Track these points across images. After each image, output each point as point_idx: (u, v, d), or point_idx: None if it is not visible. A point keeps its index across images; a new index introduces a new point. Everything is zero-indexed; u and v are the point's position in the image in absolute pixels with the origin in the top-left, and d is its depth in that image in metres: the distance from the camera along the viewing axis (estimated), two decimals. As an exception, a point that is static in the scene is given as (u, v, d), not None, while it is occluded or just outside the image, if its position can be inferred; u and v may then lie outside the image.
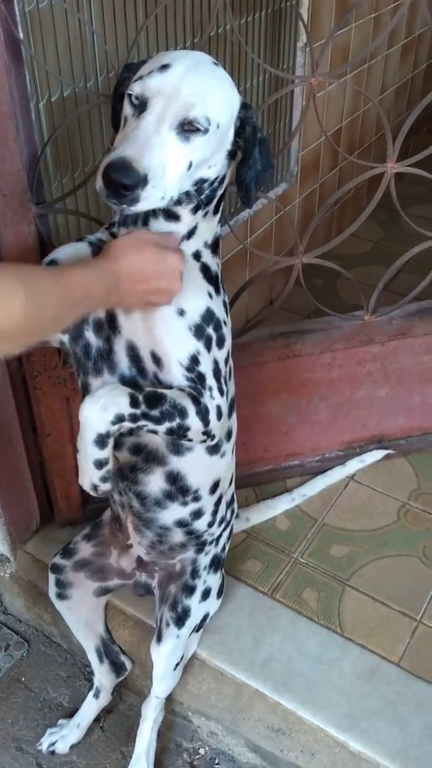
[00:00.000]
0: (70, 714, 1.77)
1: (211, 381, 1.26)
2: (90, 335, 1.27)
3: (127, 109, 1.15)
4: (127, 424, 1.19)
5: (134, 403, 1.18)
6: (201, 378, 1.25)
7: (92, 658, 1.71)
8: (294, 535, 1.93)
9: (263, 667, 1.64)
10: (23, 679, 1.88)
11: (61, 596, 1.63)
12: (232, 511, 1.63)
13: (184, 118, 1.10)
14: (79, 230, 1.63)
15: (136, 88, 1.12)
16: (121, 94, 1.18)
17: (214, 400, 1.26)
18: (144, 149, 1.08)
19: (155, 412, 1.19)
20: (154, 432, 1.23)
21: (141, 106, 1.12)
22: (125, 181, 1.06)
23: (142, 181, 1.07)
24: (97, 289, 1.12)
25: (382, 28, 2.79)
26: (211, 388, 1.26)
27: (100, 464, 1.22)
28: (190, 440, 1.28)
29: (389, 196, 1.65)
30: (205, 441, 1.30)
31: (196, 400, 1.23)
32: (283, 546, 1.90)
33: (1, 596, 2.02)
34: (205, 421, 1.25)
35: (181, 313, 1.24)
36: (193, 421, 1.23)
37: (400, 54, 3.15)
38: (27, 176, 1.41)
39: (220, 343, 1.28)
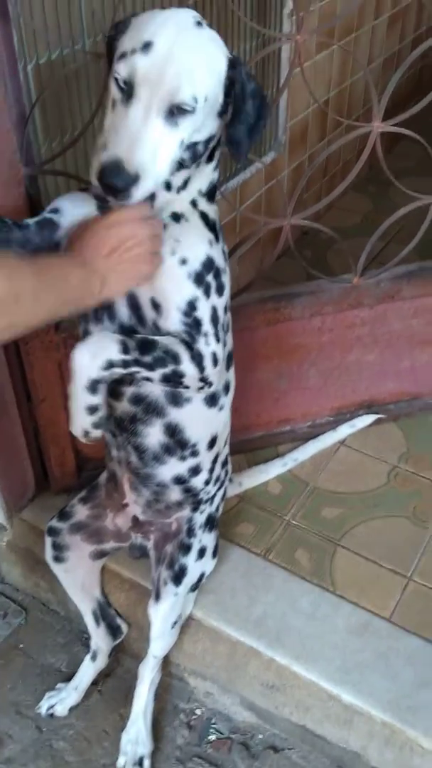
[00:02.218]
0: (68, 678, 1.79)
1: (207, 327, 1.27)
2: None
3: (115, 92, 1.15)
4: (119, 370, 1.20)
5: (125, 349, 1.19)
6: (197, 323, 1.26)
7: (89, 621, 1.73)
8: (286, 498, 1.95)
9: (257, 624, 1.66)
10: (21, 645, 1.90)
11: (57, 559, 1.65)
12: (227, 472, 1.65)
13: (171, 104, 1.11)
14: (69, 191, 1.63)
15: (121, 71, 1.12)
16: (113, 54, 1.16)
17: (209, 346, 1.27)
18: (134, 146, 1.10)
19: (147, 359, 1.20)
20: (150, 379, 1.24)
21: (128, 91, 1.12)
22: (118, 184, 1.10)
23: (134, 180, 1.10)
24: (74, 275, 1.13)
25: (368, -3, 2.79)
26: (206, 334, 1.27)
27: (92, 410, 1.23)
28: (187, 387, 1.29)
29: (379, 169, 1.65)
30: (203, 388, 1.30)
31: (189, 346, 1.25)
32: (275, 509, 1.92)
33: (-3, 565, 2.04)
34: (200, 367, 1.26)
35: (183, 262, 1.25)
36: (188, 367, 1.24)
37: (387, 25, 3.15)
38: (15, 137, 1.42)
39: (220, 290, 1.29)
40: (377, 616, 1.67)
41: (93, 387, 1.21)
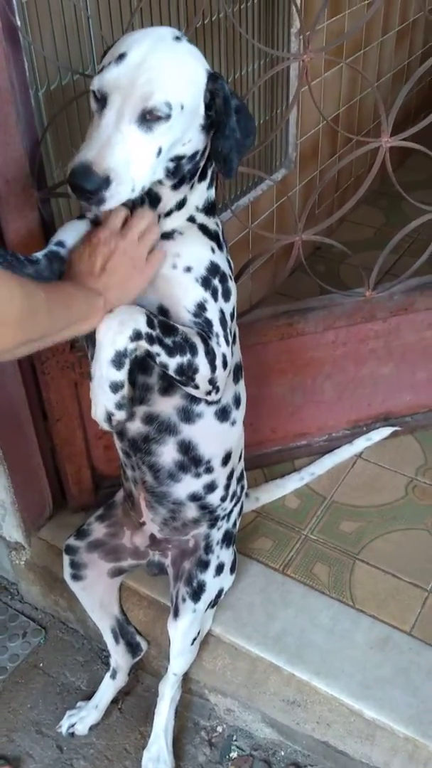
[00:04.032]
0: (89, 697, 1.79)
1: (218, 328, 1.27)
2: None
3: (92, 104, 1.16)
4: (144, 344, 1.17)
5: (150, 323, 1.18)
6: (208, 323, 1.27)
7: (108, 639, 1.73)
8: (303, 512, 1.95)
9: (277, 640, 1.66)
10: (41, 665, 1.90)
11: (75, 577, 1.65)
12: (242, 488, 1.65)
13: (143, 109, 1.11)
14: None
15: (95, 83, 1.14)
16: None
17: (220, 347, 1.27)
18: (104, 149, 1.10)
19: (168, 341, 1.19)
20: (165, 367, 1.22)
21: (102, 101, 1.13)
22: (87, 186, 1.10)
23: (104, 183, 1.10)
24: (78, 295, 1.15)
25: (375, 14, 2.81)
26: (218, 335, 1.27)
27: (116, 387, 1.19)
28: (196, 387, 1.28)
29: (391, 183, 1.66)
30: (210, 393, 1.30)
31: (205, 341, 1.25)
32: (293, 523, 1.92)
33: (17, 585, 2.05)
34: (213, 366, 1.25)
35: (188, 269, 1.26)
36: (202, 362, 1.24)
37: (395, 40, 3.17)
38: (29, 162, 1.44)
39: (226, 295, 1.30)
40: (397, 630, 1.66)
41: (118, 360, 1.17)
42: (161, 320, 1.21)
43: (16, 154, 1.41)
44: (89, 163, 1.09)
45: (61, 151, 1.65)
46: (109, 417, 1.22)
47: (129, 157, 1.11)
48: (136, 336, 1.16)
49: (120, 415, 1.22)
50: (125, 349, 1.16)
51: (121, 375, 1.18)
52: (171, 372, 1.23)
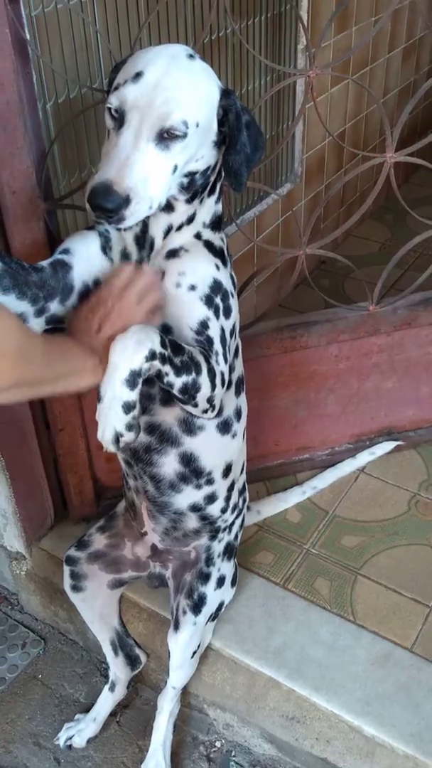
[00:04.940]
0: (87, 709, 1.78)
1: (218, 347, 1.28)
2: None
3: (108, 121, 1.18)
4: (157, 364, 1.16)
5: (163, 343, 1.17)
6: (210, 342, 1.27)
7: (107, 651, 1.72)
8: (305, 526, 1.94)
9: (277, 655, 1.65)
10: (40, 676, 1.90)
11: (75, 588, 1.65)
12: (244, 500, 1.65)
13: (161, 128, 1.13)
14: (86, 226, 1.67)
15: (113, 101, 1.15)
16: None
17: (219, 365, 1.28)
18: (124, 169, 1.11)
19: (177, 360, 1.19)
20: (171, 386, 1.21)
21: (120, 119, 1.15)
22: (108, 206, 1.11)
23: (124, 202, 1.11)
24: (75, 351, 1.16)
25: (381, 31, 2.83)
26: (217, 353, 1.28)
27: (128, 407, 1.16)
28: (195, 405, 1.27)
29: (396, 198, 1.67)
30: (206, 411, 1.30)
31: (207, 360, 1.25)
32: (294, 537, 1.91)
33: (17, 595, 2.04)
34: (213, 384, 1.26)
35: (192, 287, 1.27)
36: (204, 381, 1.24)
37: (401, 58, 3.19)
38: (35, 174, 1.46)
39: (227, 313, 1.31)
40: (399, 646, 1.65)
41: (133, 380, 1.14)
42: (170, 340, 1.21)
43: (23, 165, 1.43)
44: (109, 182, 1.11)
45: (67, 163, 1.66)
46: (117, 438, 1.19)
47: (147, 175, 1.13)
48: (152, 356, 1.15)
49: (129, 437, 1.19)
50: (141, 368, 1.15)
51: (135, 395, 1.16)
52: (175, 391, 1.23)
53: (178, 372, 1.20)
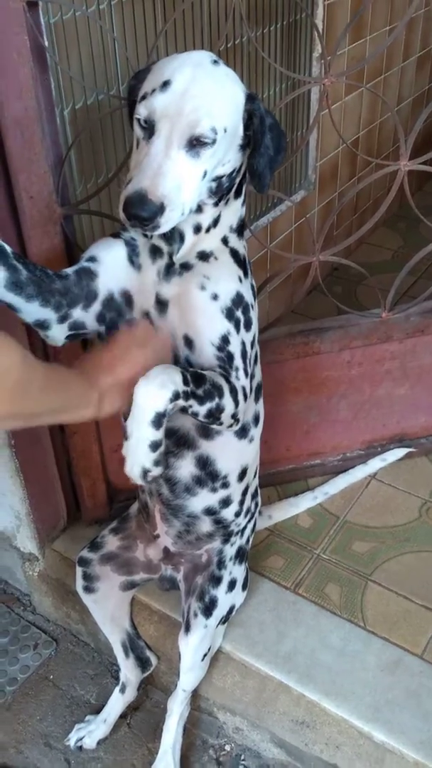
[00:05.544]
0: (98, 711, 1.79)
1: (238, 362, 1.29)
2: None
3: (138, 131, 1.20)
4: (181, 402, 1.17)
5: (185, 380, 1.18)
6: (230, 358, 1.28)
7: (118, 653, 1.73)
8: (316, 532, 1.95)
9: (287, 659, 1.65)
10: (51, 677, 1.91)
11: (87, 589, 1.66)
12: (257, 504, 1.66)
13: (191, 136, 1.15)
14: (102, 231, 1.69)
15: (142, 111, 1.17)
16: (134, 100, 1.23)
17: (239, 380, 1.29)
18: (157, 177, 1.13)
19: (200, 391, 1.20)
20: (195, 415, 1.22)
21: (149, 129, 1.17)
22: (143, 214, 1.13)
23: (159, 210, 1.13)
24: (76, 384, 1.16)
25: (396, 40, 2.84)
26: (237, 369, 1.29)
27: (155, 446, 1.17)
28: (221, 424, 1.28)
29: (409, 206, 1.68)
30: (231, 426, 1.31)
31: (228, 380, 1.26)
32: (305, 543, 1.92)
33: (30, 596, 2.06)
34: (236, 402, 1.26)
35: (215, 297, 1.28)
36: (227, 401, 1.24)
37: (416, 66, 3.20)
38: (53, 179, 1.47)
39: (248, 325, 1.32)
40: (409, 653, 1.65)
41: (158, 421, 1.15)
42: (192, 372, 1.21)
43: (41, 170, 1.44)
44: (144, 191, 1.13)
45: (84, 168, 1.68)
46: (145, 474, 1.20)
47: (179, 182, 1.15)
48: (176, 396, 1.16)
49: (156, 471, 1.20)
50: (165, 410, 1.15)
51: (160, 434, 1.17)
52: (201, 417, 1.24)
53: (202, 402, 1.21)
